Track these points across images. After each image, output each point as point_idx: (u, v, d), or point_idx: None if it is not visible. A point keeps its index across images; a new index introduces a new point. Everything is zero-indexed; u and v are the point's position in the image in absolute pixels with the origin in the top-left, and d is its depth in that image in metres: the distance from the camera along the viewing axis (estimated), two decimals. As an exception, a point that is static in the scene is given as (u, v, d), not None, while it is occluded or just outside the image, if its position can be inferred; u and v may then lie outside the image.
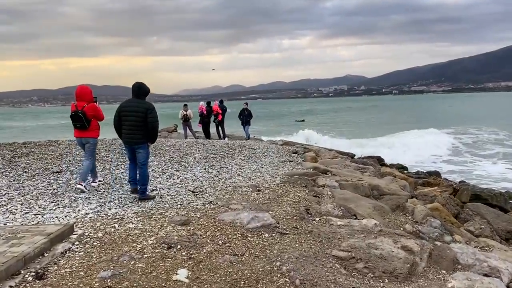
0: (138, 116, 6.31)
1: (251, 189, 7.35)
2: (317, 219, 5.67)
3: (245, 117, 18.32)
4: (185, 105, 17.77)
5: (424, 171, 15.89)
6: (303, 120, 56.83)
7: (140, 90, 6.48)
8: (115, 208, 6.27)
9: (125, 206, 6.40)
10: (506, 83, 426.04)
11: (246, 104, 18.97)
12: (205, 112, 18.48)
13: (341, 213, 6.06)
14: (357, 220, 5.78)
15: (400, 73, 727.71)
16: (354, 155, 17.40)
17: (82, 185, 7.12)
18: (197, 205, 6.33)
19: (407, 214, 6.38)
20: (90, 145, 7.34)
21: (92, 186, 7.52)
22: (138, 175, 6.71)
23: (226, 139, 16.61)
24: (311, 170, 9.41)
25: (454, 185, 11.09)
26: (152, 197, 6.79)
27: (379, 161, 18.17)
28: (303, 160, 11.27)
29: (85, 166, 7.32)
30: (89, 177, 7.61)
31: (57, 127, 52.95)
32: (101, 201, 6.64)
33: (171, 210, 6.07)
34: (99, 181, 7.81)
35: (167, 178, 8.34)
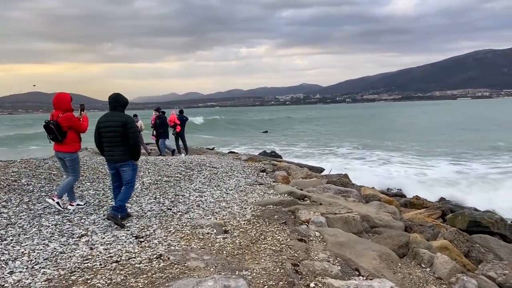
0: (116, 131, 5.77)
1: (215, 230, 5.60)
2: (312, 284, 4.02)
3: (159, 127, 15.33)
4: (135, 115, 15.73)
5: (395, 189, 14.71)
6: (266, 131, 54.87)
7: (116, 101, 5.94)
8: (21, 271, 4.34)
9: (38, 265, 4.48)
10: (452, 91, 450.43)
11: (158, 110, 15.84)
12: (159, 123, 16.57)
13: (339, 268, 4.46)
14: (364, 279, 4.21)
15: (353, 82, 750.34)
16: (323, 170, 16.11)
17: (73, 205, 6.62)
18: (140, 263, 4.51)
19: (422, 265, 4.89)
20: (69, 161, 6.51)
21: (68, 208, 6.56)
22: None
23: (183, 155, 14.73)
24: (287, 196, 7.80)
25: (442, 207, 9.88)
26: (121, 225, 5.80)
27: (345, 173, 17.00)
28: (273, 181, 9.65)
29: (65, 183, 6.59)
30: (65, 197, 6.76)
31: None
32: (2, 258, 4.66)
33: (102, 274, 4.22)
34: (78, 204, 6.76)
35: (104, 215, 6.42)
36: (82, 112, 6.72)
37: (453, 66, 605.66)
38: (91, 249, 4.97)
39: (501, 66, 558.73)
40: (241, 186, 8.71)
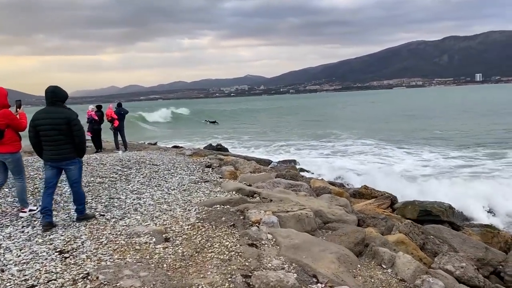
0: (59, 129, 5.24)
1: (154, 239, 4.93)
2: (266, 299, 3.50)
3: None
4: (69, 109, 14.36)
5: (338, 177, 14.61)
6: (215, 122, 53.41)
7: (55, 95, 5.34)
8: None
9: None
10: (388, 81, 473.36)
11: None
12: (96, 118, 15.40)
13: (296, 276, 3.99)
14: (323, 287, 3.77)
15: (296, 73, 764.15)
16: (271, 162, 15.75)
17: (26, 212, 5.94)
18: (61, 286, 3.77)
19: (383, 265, 4.55)
20: (11, 163, 5.81)
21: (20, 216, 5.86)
22: (71, 197, 5.83)
23: (120, 152, 13.70)
24: (235, 193, 7.26)
25: (390, 196, 9.82)
26: (91, 216, 5.78)
27: (293, 163, 16.79)
28: (220, 177, 9.06)
29: (18, 190, 5.98)
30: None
31: None
32: None
33: (11, 306, 3.43)
34: (30, 210, 6.02)
35: (23, 226, 5.52)
36: (18, 109, 6.04)
37: (389, 57, 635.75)
38: (2, 271, 4.13)
39: (432, 56, 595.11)
40: (184, 185, 8.03)
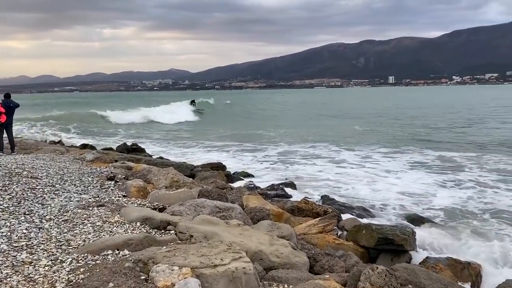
0: None
1: None
2: None
3: None
4: None
5: (278, 183, 12.94)
6: (193, 101, 51.23)
7: None
8: None
9: None
10: (309, 80, 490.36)
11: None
12: (-26, 112, 12.25)
13: None
14: None
15: (221, 69, 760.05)
16: (194, 167, 13.55)
17: None
18: None
19: None
20: None
21: None
22: None
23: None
24: (139, 226, 5.11)
25: (337, 214, 8.28)
26: None
27: (221, 169, 14.78)
28: (124, 195, 6.80)
29: None
30: None
31: None
32: None
33: None
34: None
35: None
36: None
37: (311, 57, 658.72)
38: None
39: (350, 58, 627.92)
40: (68, 212, 5.66)
